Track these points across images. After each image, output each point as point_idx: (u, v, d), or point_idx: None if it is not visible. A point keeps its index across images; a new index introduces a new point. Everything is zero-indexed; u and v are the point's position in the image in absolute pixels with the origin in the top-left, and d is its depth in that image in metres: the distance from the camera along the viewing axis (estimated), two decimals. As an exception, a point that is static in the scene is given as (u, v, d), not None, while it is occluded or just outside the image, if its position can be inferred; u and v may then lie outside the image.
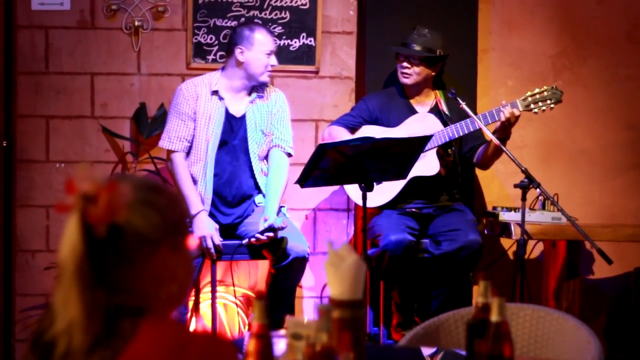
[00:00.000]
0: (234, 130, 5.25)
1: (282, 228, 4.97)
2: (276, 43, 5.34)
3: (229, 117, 5.25)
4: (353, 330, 2.12)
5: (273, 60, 5.23)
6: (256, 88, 5.30)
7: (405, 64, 5.39)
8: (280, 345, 2.15)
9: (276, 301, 5.03)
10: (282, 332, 2.15)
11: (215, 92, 5.23)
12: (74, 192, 1.76)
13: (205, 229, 5.03)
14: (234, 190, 5.25)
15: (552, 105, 5.28)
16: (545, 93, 5.27)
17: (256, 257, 5.23)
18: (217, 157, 5.23)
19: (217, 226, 5.09)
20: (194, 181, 5.20)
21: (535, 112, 5.27)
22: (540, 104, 5.26)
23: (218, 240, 5.04)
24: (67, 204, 1.76)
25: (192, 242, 1.92)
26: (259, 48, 5.19)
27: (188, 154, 5.24)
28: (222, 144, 5.24)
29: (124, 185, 1.81)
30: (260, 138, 5.27)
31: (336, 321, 2.10)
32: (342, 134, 5.36)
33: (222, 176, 5.24)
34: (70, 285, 1.76)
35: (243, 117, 5.27)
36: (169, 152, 5.26)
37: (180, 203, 1.91)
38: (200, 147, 5.22)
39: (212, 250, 5.02)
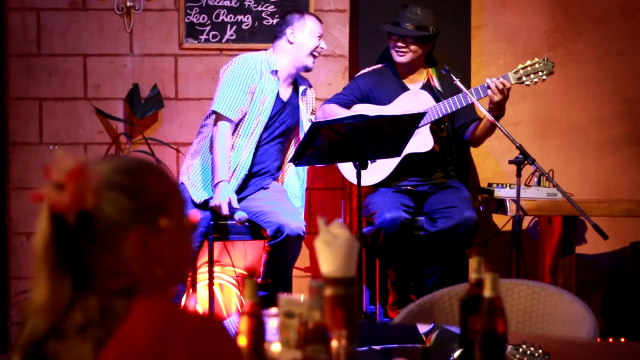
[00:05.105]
0: (279, 112, 5.29)
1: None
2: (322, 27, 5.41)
3: (276, 99, 5.28)
4: (346, 307, 2.11)
5: (323, 43, 5.31)
6: (301, 79, 5.42)
7: (399, 43, 5.36)
8: (272, 323, 2.15)
9: (273, 279, 5.04)
10: (275, 310, 2.14)
11: (274, 72, 5.25)
12: (49, 179, 1.77)
13: (217, 197, 5.05)
14: (260, 167, 5.29)
15: (544, 77, 5.24)
16: (537, 65, 5.23)
17: (256, 237, 5.24)
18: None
19: (231, 196, 5.08)
20: (237, 152, 5.20)
21: (527, 85, 5.24)
22: (532, 76, 5.22)
23: (226, 210, 5.04)
24: (41, 193, 1.77)
25: (193, 216, 1.92)
26: (309, 30, 5.27)
27: (237, 125, 5.22)
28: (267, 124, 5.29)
29: (93, 170, 1.80)
30: (308, 126, 5.32)
31: (329, 299, 2.09)
32: (336, 111, 5.35)
33: (259, 153, 5.29)
34: (39, 269, 1.79)
35: (287, 102, 5.33)
36: (219, 117, 5.18)
37: (164, 183, 1.88)
38: (252, 123, 5.21)
39: (226, 213, 5.07)
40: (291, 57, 5.27)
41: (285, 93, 5.34)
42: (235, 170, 5.17)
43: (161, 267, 1.84)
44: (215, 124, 5.19)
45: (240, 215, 5.04)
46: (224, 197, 5.05)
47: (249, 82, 5.18)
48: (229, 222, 5.17)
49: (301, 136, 5.31)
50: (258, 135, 5.23)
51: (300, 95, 5.38)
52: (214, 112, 5.19)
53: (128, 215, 1.80)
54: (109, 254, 1.80)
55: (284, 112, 5.32)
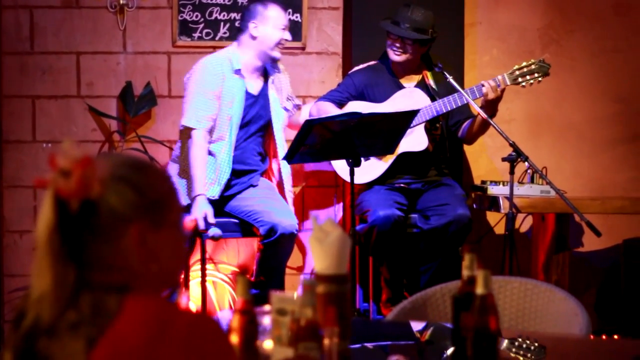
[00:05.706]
0: (251, 108, 5.25)
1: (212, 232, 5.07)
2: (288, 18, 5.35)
3: (247, 95, 5.24)
4: (338, 304, 2.11)
5: (287, 35, 5.25)
6: (270, 67, 5.34)
7: (397, 44, 5.34)
8: (264, 320, 2.15)
9: (266, 277, 5.04)
10: (267, 307, 2.14)
11: (237, 71, 5.20)
12: (54, 167, 1.76)
13: (195, 212, 5.02)
14: (242, 166, 5.25)
15: (539, 79, 5.26)
16: (533, 66, 5.24)
17: (247, 235, 5.23)
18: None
19: (207, 211, 5.04)
20: (215, 158, 5.17)
21: (523, 86, 5.25)
22: (527, 77, 5.23)
23: (202, 225, 4.99)
24: (44, 179, 1.77)
25: (187, 223, 1.93)
26: (273, 23, 5.20)
27: (210, 131, 5.18)
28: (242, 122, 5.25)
29: (101, 161, 1.80)
30: (283, 114, 5.31)
31: (321, 296, 2.10)
32: (330, 109, 5.34)
33: (237, 152, 5.25)
34: (42, 257, 1.78)
35: (259, 95, 5.28)
36: (189, 128, 5.15)
37: (165, 182, 1.89)
38: (223, 126, 5.17)
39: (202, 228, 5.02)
40: (255, 52, 5.23)
41: (256, 86, 5.30)
42: (217, 175, 5.14)
43: (156, 265, 1.84)
44: (189, 135, 5.16)
45: (214, 231, 5.04)
46: (200, 212, 5.01)
47: (212, 89, 5.13)
48: (220, 219, 5.13)
49: (274, 126, 5.30)
50: (233, 136, 5.19)
51: (270, 84, 5.34)
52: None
53: (132, 208, 1.80)
54: (108, 247, 1.80)
55: (257, 105, 5.27)
